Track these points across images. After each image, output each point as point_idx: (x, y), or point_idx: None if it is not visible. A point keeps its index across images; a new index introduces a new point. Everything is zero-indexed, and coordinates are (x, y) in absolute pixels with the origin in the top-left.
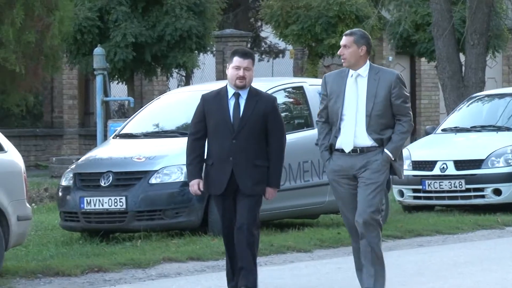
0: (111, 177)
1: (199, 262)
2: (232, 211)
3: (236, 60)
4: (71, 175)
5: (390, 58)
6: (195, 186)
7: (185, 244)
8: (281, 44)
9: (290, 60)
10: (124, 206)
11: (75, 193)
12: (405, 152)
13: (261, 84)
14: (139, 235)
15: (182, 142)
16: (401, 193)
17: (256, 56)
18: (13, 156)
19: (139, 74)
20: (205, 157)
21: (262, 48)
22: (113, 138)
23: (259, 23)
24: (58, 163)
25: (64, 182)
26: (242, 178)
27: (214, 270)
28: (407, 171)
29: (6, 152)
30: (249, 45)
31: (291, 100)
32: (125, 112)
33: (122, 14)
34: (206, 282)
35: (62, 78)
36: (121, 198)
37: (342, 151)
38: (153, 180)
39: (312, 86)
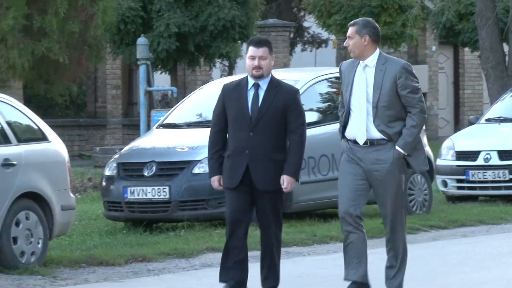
0: (154, 167)
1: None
2: (244, 207)
3: (251, 50)
4: (115, 165)
5: (434, 48)
6: (216, 182)
7: None
8: (324, 34)
9: (333, 50)
10: (167, 196)
11: (118, 183)
12: (448, 142)
13: (304, 74)
14: (182, 225)
15: None
16: (445, 183)
17: (299, 46)
18: (57, 146)
19: (182, 64)
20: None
21: (305, 38)
22: (156, 128)
23: (302, 13)
24: (102, 153)
25: (107, 172)
26: (257, 172)
27: (257, 259)
28: (451, 161)
29: (50, 142)
30: (292, 35)
31: (334, 90)
32: (168, 102)
33: (165, 4)
34: (249, 271)
35: (106, 68)
36: (165, 188)
37: (354, 141)
38: (196, 170)
39: None
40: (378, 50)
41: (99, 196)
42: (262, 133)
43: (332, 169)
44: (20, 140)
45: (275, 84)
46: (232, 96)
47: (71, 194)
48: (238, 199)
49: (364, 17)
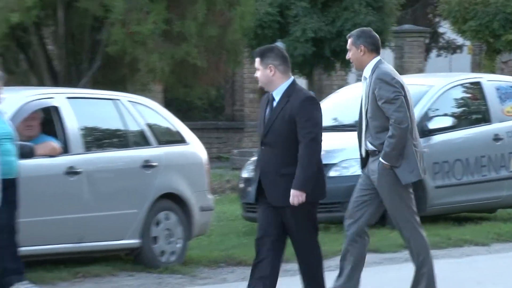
0: None
1: (377, 254)
2: (267, 222)
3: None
4: (252, 167)
5: None
6: None
7: None
8: (459, 40)
9: (467, 55)
10: None
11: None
12: None
13: (439, 79)
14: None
15: None
16: None
17: (434, 52)
18: (196, 148)
19: (318, 68)
20: None
21: (440, 44)
22: None
23: (437, 19)
24: (239, 155)
25: (245, 174)
26: (268, 187)
27: (392, 262)
28: None
29: (189, 144)
30: (427, 41)
31: (469, 95)
32: None
33: (302, 10)
34: (384, 274)
35: (243, 72)
36: None
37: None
38: (332, 173)
39: (489, 81)
40: (375, 60)
41: (237, 198)
42: (270, 147)
43: (466, 174)
44: (160, 142)
45: (287, 94)
46: (261, 108)
47: (210, 195)
48: (263, 214)
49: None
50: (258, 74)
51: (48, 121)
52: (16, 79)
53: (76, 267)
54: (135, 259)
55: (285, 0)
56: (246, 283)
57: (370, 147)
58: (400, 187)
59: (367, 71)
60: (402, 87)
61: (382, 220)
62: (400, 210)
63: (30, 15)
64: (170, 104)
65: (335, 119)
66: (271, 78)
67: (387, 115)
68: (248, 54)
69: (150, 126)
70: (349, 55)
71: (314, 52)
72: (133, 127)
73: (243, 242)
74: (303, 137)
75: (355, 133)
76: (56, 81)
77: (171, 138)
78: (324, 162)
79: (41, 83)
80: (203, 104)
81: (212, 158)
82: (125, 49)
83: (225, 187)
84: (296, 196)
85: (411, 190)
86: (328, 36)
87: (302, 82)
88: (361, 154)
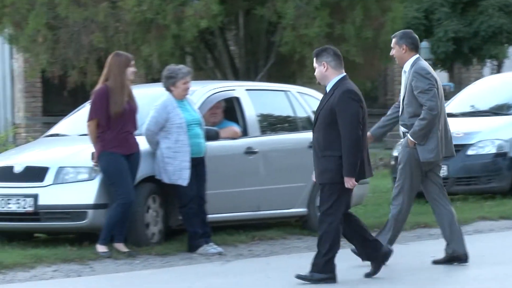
0: None
1: (509, 220)
2: None
3: None
4: (400, 147)
5: None
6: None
7: (496, 205)
8: None
9: None
10: (445, 173)
11: None
12: None
13: None
14: (458, 198)
15: (494, 120)
16: None
17: None
18: None
19: (458, 63)
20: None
21: None
22: None
23: None
24: (391, 137)
25: (395, 153)
26: (314, 167)
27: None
28: None
29: None
30: None
31: None
32: (446, 96)
33: (444, 14)
34: None
35: (394, 67)
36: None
37: None
38: (469, 152)
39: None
40: (414, 57)
41: (388, 173)
42: (317, 133)
43: None
44: None
45: (334, 87)
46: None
47: None
48: None
49: None
50: (315, 71)
51: (230, 109)
52: (204, 74)
53: (253, 232)
54: (302, 225)
55: (429, 6)
56: (397, 245)
57: (403, 129)
58: (414, 163)
59: (407, 66)
60: (435, 80)
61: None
62: (405, 181)
63: (216, 21)
64: None
65: (472, 106)
66: (324, 73)
67: (421, 103)
68: None
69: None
70: (392, 52)
71: (454, 50)
72: (300, 113)
73: None
74: (342, 127)
75: (489, 118)
76: (237, 76)
77: None
78: (463, 142)
79: (224, 78)
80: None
81: None
82: (295, 49)
83: (378, 164)
84: (347, 182)
85: (424, 171)
86: (466, 36)
87: (444, 75)
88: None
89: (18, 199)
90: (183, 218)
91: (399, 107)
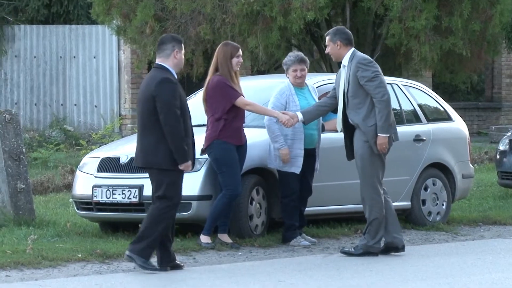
0: None
1: None
2: None
3: None
4: (507, 141)
5: None
6: None
7: None
8: None
9: None
10: None
11: (510, 156)
12: None
13: None
14: None
15: None
16: None
17: None
18: (460, 125)
19: None
20: None
21: None
22: None
23: None
24: (497, 131)
25: (501, 147)
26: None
27: None
28: None
29: (454, 121)
30: None
31: None
32: None
33: None
34: None
35: (501, 60)
36: None
37: None
38: None
39: None
40: (350, 51)
41: (493, 167)
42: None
43: None
44: (429, 120)
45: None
46: None
47: (470, 165)
48: None
49: None
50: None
51: None
52: (310, 67)
53: (356, 225)
54: (406, 218)
55: None
56: (501, 240)
57: (353, 120)
58: (371, 154)
59: (345, 60)
60: (378, 68)
61: None
62: (368, 175)
63: (323, 13)
64: (437, 87)
65: None
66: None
67: (370, 92)
68: (506, 45)
69: (420, 106)
70: (327, 50)
71: None
72: (406, 106)
73: (498, 204)
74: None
75: None
76: None
77: (438, 116)
78: None
79: (331, 70)
80: (466, 87)
81: (473, 133)
82: (401, 41)
83: (483, 158)
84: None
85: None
86: None
87: None
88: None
89: (124, 190)
90: (282, 209)
91: (335, 100)
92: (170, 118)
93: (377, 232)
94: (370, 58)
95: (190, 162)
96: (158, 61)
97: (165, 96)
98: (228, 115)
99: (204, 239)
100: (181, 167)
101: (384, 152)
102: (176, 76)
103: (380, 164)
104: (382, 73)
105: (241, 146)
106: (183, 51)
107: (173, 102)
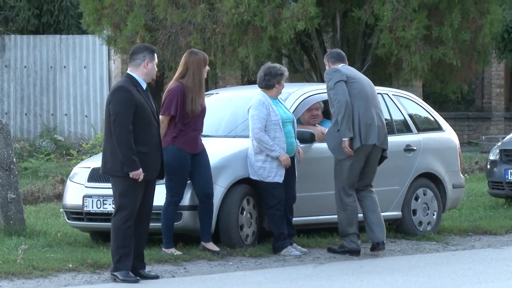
0: None
1: None
2: None
3: None
4: (497, 151)
5: None
6: None
7: None
8: None
9: None
10: None
11: (500, 166)
12: None
13: None
14: None
15: None
16: None
17: None
18: (450, 134)
19: None
20: None
21: None
22: None
23: None
24: (487, 141)
25: (491, 157)
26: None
27: None
28: None
29: (444, 131)
30: None
31: None
32: None
33: None
34: None
35: (491, 70)
36: None
37: None
38: None
39: None
40: (339, 66)
41: (484, 177)
42: None
43: None
44: (420, 130)
45: None
46: None
47: (461, 175)
48: None
49: None
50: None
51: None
52: (300, 77)
53: None
54: (396, 228)
55: None
56: (491, 250)
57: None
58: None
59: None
60: (345, 75)
61: None
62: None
63: (313, 23)
64: (428, 97)
65: None
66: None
67: (331, 101)
68: (496, 54)
69: (411, 115)
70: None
71: None
72: (397, 116)
73: (489, 214)
74: None
75: None
76: None
77: (429, 126)
78: None
79: (321, 80)
80: (456, 97)
81: (463, 143)
82: (392, 51)
83: (474, 168)
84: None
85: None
86: None
87: None
88: None
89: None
90: (269, 219)
91: None
92: (116, 126)
93: (345, 231)
94: (335, 69)
95: (140, 171)
96: (128, 70)
97: (115, 104)
98: (186, 122)
99: (211, 246)
100: (131, 175)
101: (349, 154)
102: (144, 86)
103: (348, 167)
104: (341, 80)
105: (197, 155)
106: (155, 61)
107: (122, 111)
